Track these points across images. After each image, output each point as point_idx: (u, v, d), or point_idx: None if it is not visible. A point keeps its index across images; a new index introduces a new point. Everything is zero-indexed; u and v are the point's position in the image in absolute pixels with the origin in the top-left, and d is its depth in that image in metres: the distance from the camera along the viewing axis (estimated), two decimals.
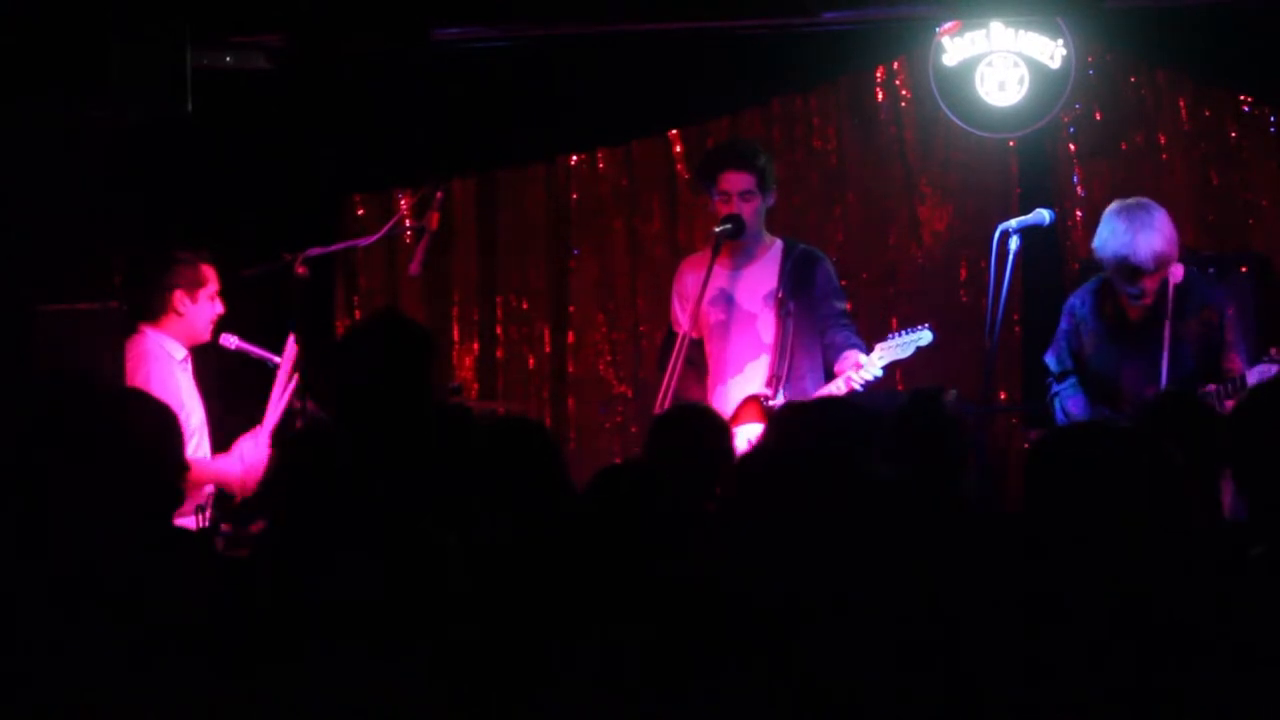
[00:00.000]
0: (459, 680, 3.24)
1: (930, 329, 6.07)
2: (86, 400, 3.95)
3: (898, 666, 3.36)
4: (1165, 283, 5.92)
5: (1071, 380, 6.12)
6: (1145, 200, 6.04)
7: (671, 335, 6.49)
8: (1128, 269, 5.85)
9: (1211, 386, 5.76)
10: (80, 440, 3.71)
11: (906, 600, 3.51)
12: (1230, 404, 5.60)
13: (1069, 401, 6.11)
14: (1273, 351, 5.71)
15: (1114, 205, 6.01)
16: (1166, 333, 5.85)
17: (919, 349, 6.07)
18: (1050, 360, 6.21)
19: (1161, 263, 5.85)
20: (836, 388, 6.11)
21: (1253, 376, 5.69)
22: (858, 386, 6.05)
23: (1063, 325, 6.14)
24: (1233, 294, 6.18)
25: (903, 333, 6.09)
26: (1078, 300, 6.15)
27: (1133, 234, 5.86)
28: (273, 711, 3.21)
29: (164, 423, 3.84)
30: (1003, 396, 6.42)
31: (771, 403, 6.23)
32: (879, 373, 6.04)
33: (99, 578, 3.46)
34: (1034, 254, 6.40)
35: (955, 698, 3.33)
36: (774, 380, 6.26)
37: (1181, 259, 6.95)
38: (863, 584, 3.55)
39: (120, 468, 3.68)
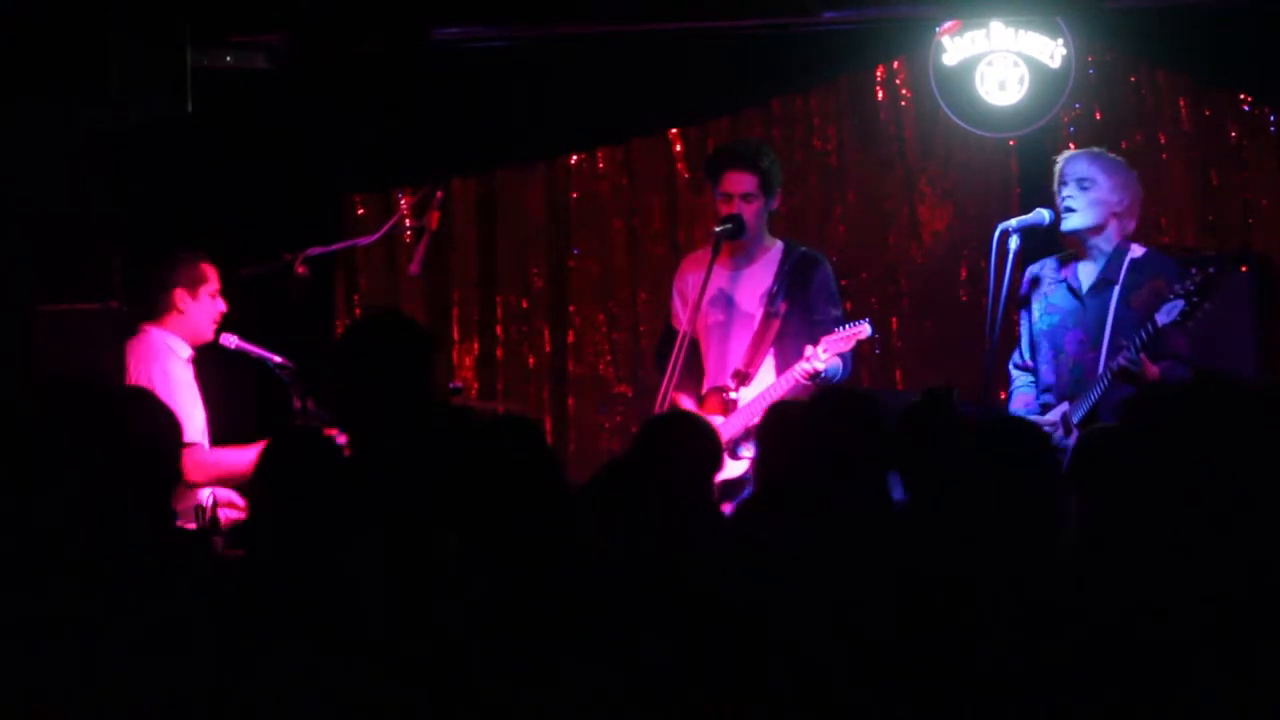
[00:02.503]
0: (456, 680, 3.24)
1: (869, 323, 6.18)
2: (88, 399, 3.96)
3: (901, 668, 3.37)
4: (1122, 254, 5.95)
5: (1029, 379, 6.15)
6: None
7: (671, 332, 6.49)
8: (1059, 176, 6.01)
9: (1122, 341, 5.77)
10: (81, 438, 3.72)
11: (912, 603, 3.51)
12: (1150, 364, 5.66)
13: (1015, 399, 6.15)
14: (1176, 288, 5.67)
15: None
16: (1114, 299, 5.89)
17: (859, 342, 6.16)
18: (1017, 351, 6.24)
19: (1086, 178, 5.95)
20: (784, 382, 6.17)
21: (1161, 317, 5.67)
22: (800, 378, 6.13)
23: (1022, 291, 6.18)
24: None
25: (845, 326, 6.17)
26: (1038, 265, 6.18)
27: (1074, 153, 6.09)
28: (272, 711, 3.21)
29: (166, 424, 3.84)
30: (1002, 396, 6.41)
31: (733, 396, 6.26)
32: (821, 365, 6.09)
33: (98, 576, 3.46)
34: (1034, 254, 6.39)
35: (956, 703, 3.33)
36: (738, 375, 6.28)
37: (1181, 259, 6.96)
38: (865, 588, 3.56)
39: (120, 466, 3.69)
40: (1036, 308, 6.10)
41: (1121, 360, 5.69)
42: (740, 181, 6.30)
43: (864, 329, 6.16)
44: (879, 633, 3.46)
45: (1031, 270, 6.16)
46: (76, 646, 3.37)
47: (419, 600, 3.31)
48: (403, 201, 7.77)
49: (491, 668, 3.26)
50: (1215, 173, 7.36)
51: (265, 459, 3.71)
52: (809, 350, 6.12)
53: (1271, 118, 7.27)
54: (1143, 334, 5.68)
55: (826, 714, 3.31)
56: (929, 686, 3.38)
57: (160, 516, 3.84)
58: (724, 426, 6.19)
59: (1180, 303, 5.59)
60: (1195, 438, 3.89)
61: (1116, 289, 5.92)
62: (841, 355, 6.20)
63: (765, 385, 6.26)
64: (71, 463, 3.67)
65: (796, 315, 6.31)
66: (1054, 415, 5.88)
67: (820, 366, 6.09)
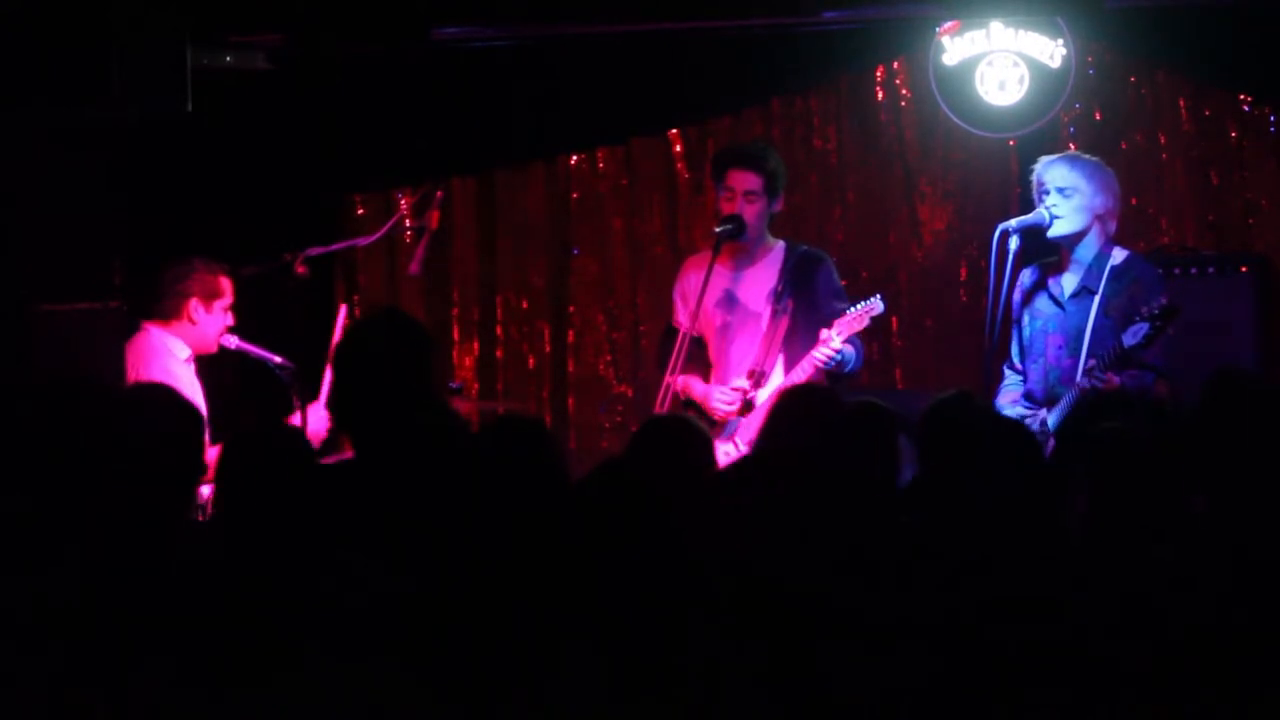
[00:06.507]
0: (454, 680, 3.24)
1: (881, 298, 6.19)
2: (107, 397, 3.96)
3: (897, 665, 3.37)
4: (1104, 260, 5.95)
5: (1018, 379, 6.14)
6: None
7: (671, 331, 6.49)
8: (1038, 183, 5.99)
9: (1091, 360, 5.77)
10: (100, 438, 3.72)
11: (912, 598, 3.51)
12: (1111, 376, 5.66)
13: (1002, 394, 6.15)
14: (1143, 310, 5.67)
15: None
16: (1094, 307, 5.89)
17: (873, 318, 6.16)
18: (1009, 359, 6.24)
19: (1068, 186, 5.92)
20: (801, 370, 6.17)
21: (1127, 338, 5.67)
22: (819, 364, 6.13)
23: (1014, 299, 6.18)
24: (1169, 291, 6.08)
25: (856, 305, 6.16)
26: (1028, 270, 6.17)
27: (1052, 160, 6.04)
28: (270, 711, 3.21)
29: (190, 418, 3.85)
30: None
31: (749, 396, 6.25)
32: (838, 345, 6.11)
33: (105, 576, 3.47)
34: (1034, 254, 6.40)
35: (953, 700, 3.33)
36: (753, 374, 6.27)
37: (1180, 259, 6.94)
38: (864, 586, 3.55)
39: (147, 465, 3.70)
40: (1025, 316, 6.12)
41: (1085, 383, 5.71)
42: (745, 179, 6.30)
43: (876, 305, 6.16)
44: (884, 619, 3.46)
45: (1021, 283, 6.16)
46: (87, 646, 3.38)
47: (414, 600, 3.31)
48: (403, 201, 7.78)
49: (490, 667, 3.26)
50: (1215, 173, 7.37)
51: (224, 462, 3.68)
52: (824, 333, 6.13)
53: (1271, 118, 7.28)
54: (1110, 353, 5.69)
55: (827, 701, 3.31)
56: (933, 674, 3.38)
57: (186, 512, 3.86)
58: (744, 426, 6.19)
59: (1145, 326, 5.60)
60: (1210, 436, 3.90)
61: (1097, 298, 5.91)
62: (854, 342, 6.21)
63: (779, 383, 6.26)
64: (94, 464, 3.68)
65: (803, 313, 6.31)
66: (1032, 425, 5.88)
67: (836, 347, 6.09)
